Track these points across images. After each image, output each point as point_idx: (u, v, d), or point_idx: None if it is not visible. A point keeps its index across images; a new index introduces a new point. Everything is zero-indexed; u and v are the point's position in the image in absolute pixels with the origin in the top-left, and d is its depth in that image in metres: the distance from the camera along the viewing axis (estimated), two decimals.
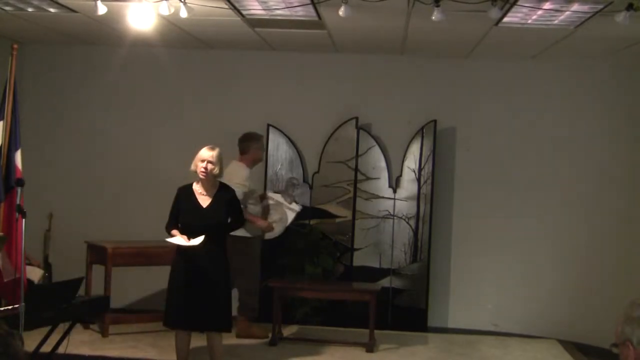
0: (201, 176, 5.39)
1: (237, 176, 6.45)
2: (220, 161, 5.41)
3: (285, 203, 7.17)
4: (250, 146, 6.76)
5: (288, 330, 7.05)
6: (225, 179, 5.78)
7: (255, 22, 6.30)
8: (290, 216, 7.16)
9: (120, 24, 6.21)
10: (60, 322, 5.42)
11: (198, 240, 5.27)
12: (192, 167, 5.43)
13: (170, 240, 5.42)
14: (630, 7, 4.88)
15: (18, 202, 5.02)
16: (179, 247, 5.40)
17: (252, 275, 6.79)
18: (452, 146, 7.67)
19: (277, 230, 7.06)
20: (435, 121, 7.42)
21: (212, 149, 5.41)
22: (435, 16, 5.09)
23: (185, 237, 5.35)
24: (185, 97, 7.89)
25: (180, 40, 7.22)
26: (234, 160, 6.72)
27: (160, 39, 7.01)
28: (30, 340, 5.45)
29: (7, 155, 5.35)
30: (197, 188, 5.46)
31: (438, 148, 7.45)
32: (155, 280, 7.18)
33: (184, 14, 5.27)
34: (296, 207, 7.21)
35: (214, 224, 5.38)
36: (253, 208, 6.70)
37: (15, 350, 1.97)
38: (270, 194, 7.28)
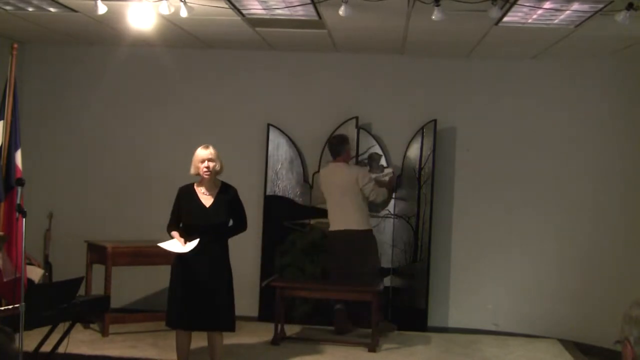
0: (205, 176, 5.37)
1: (362, 179, 6.91)
2: (219, 157, 5.42)
3: (379, 174, 7.39)
4: (344, 148, 7.06)
5: (290, 330, 7.03)
6: (352, 182, 6.72)
7: (255, 22, 6.30)
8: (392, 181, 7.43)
9: (120, 23, 6.21)
10: (60, 321, 5.42)
11: (192, 245, 5.25)
12: (193, 171, 5.41)
13: (163, 245, 5.36)
14: (630, 6, 4.87)
15: (18, 201, 5.02)
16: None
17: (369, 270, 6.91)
18: (452, 146, 7.67)
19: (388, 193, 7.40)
20: (435, 121, 7.41)
21: (207, 147, 5.41)
22: (435, 16, 5.09)
23: (182, 240, 5.33)
24: (185, 96, 7.89)
25: (180, 40, 7.22)
26: (333, 163, 7.05)
27: (160, 38, 7.02)
28: (30, 340, 5.46)
29: (7, 155, 5.36)
30: (198, 188, 5.45)
31: (438, 148, 7.44)
32: (155, 280, 7.20)
33: (184, 13, 5.27)
34: (389, 172, 7.42)
35: (217, 223, 5.38)
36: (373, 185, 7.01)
37: (8, 346, 1.97)
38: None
